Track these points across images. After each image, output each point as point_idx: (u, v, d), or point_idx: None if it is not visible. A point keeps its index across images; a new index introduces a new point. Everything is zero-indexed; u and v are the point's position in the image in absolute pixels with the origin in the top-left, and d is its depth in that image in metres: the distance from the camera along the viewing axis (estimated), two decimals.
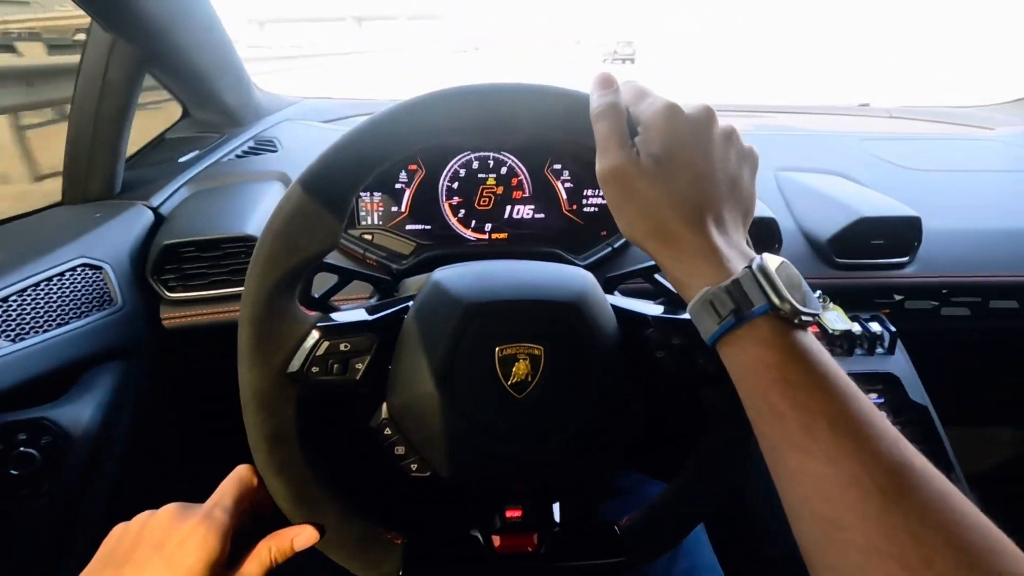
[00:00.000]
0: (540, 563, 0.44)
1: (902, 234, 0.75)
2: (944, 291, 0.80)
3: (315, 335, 0.40)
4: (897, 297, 0.80)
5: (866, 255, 0.75)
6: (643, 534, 0.45)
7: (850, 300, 0.76)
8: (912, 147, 0.99)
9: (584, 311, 0.42)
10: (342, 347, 0.41)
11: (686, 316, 0.44)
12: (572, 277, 0.44)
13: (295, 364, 0.39)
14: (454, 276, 0.44)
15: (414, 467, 0.46)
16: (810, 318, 0.30)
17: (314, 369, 0.40)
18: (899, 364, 0.71)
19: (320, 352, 0.40)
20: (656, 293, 0.54)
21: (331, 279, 0.52)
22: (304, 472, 0.41)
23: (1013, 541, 0.25)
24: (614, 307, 0.46)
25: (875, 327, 0.73)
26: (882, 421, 0.27)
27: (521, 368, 0.41)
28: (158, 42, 0.65)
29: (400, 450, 0.46)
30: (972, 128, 1.16)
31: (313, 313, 0.42)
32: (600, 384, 0.42)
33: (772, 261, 0.31)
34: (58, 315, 0.54)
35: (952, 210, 0.84)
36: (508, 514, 0.45)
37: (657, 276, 0.53)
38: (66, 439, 0.51)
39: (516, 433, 0.42)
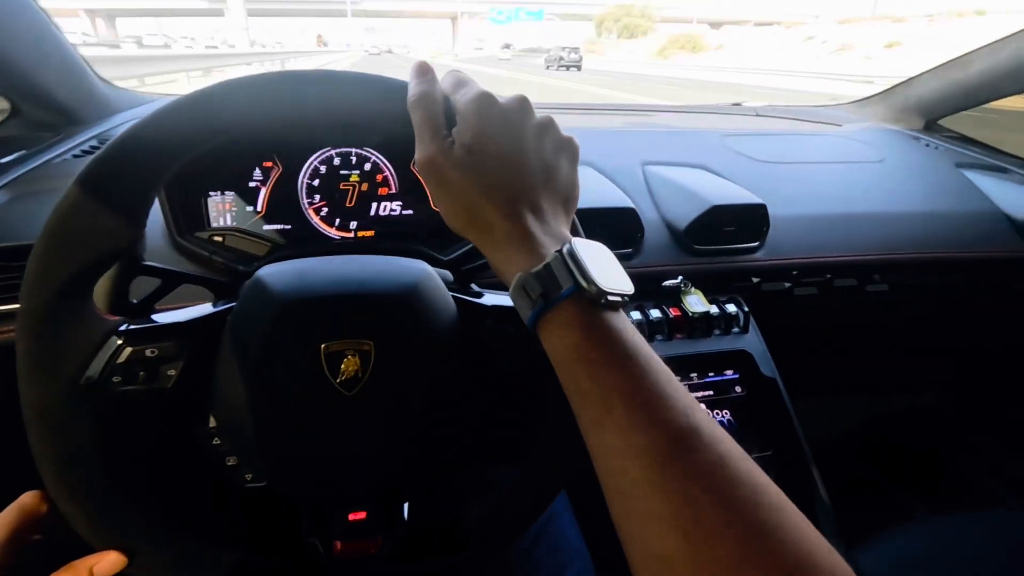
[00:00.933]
0: (382, 566, 0.43)
1: (751, 220, 0.80)
2: (794, 272, 0.87)
3: (116, 341, 0.37)
4: (755, 280, 0.86)
5: (720, 241, 0.80)
6: (489, 525, 0.45)
7: (711, 284, 0.81)
8: (767, 142, 1.08)
9: (414, 303, 0.41)
10: (148, 352, 0.38)
11: None
12: (402, 269, 0.43)
13: (91, 373, 0.36)
14: (275, 274, 0.41)
15: (248, 477, 0.43)
16: (618, 298, 0.31)
17: (115, 378, 0.37)
18: (752, 342, 0.77)
19: (122, 359, 0.37)
20: None
21: (155, 284, 0.48)
22: (104, 493, 0.37)
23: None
24: (456, 298, 0.45)
25: (731, 308, 0.78)
26: (677, 391, 0.28)
27: (350, 364, 0.40)
28: None
29: (231, 460, 0.43)
30: (822, 124, 1.27)
31: (115, 318, 0.38)
32: (435, 376, 0.41)
33: (584, 245, 0.32)
34: None
35: (799, 198, 0.92)
36: (351, 517, 0.44)
37: None
38: None
39: (349, 432, 0.41)
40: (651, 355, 0.30)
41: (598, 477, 0.30)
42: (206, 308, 0.42)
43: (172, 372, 0.39)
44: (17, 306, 0.56)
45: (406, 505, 0.46)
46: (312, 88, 0.35)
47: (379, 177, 0.71)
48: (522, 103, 0.35)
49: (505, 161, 0.33)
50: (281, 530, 0.44)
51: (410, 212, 0.73)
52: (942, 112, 1.22)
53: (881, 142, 1.14)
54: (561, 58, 28.81)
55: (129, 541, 0.38)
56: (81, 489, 0.36)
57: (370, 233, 0.72)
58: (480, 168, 0.32)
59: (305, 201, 0.70)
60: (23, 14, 0.65)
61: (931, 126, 1.25)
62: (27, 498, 0.36)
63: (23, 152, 0.74)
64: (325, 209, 0.70)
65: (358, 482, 0.43)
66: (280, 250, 0.68)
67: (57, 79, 0.75)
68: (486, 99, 0.34)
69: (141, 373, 0.38)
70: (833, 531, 0.64)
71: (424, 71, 0.36)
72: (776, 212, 0.83)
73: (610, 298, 0.30)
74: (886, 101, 1.30)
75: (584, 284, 0.30)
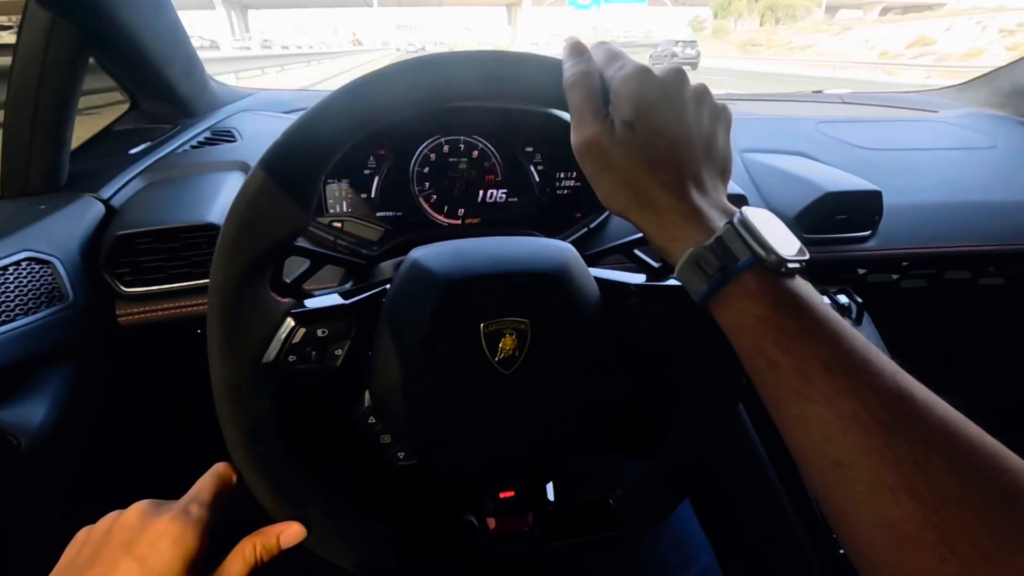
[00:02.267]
0: (535, 543, 0.43)
1: (864, 208, 0.77)
2: (904, 263, 0.83)
3: (290, 322, 0.38)
4: (860, 271, 0.82)
5: (831, 230, 0.77)
6: (635, 508, 0.45)
7: (816, 275, 0.78)
8: (864, 128, 1.03)
9: (567, 282, 0.41)
10: (319, 333, 0.39)
11: (667, 283, 0.44)
12: (552, 249, 0.43)
13: (270, 354, 0.37)
14: (432, 254, 0.42)
15: (401, 455, 0.44)
16: (797, 265, 0.30)
17: (291, 358, 0.38)
18: (867, 334, 0.74)
19: (296, 340, 0.38)
20: (637, 269, 0.54)
21: (301, 265, 0.50)
22: (286, 467, 0.39)
23: None
24: (596, 278, 0.45)
25: (843, 299, 0.75)
26: (879, 357, 0.27)
27: (508, 343, 0.40)
28: (99, 20, 0.61)
29: (386, 439, 0.44)
30: (917, 111, 1.21)
31: (285, 300, 0.40)
32: (587, 355, 0.41)
33: (754, 214, 0.31)
34: (2, 312, 0.50)
35: (906, 186, 0.87)
36: (502, 495, 0.44)
37: (637, 251, 0.53)
38: (15, 443, 0.47)
39: (506, 411, 0.41)
40: (841, 321, 0.29)
41: (793, 451, 0.29)
42: (369, 290, 0.43)
43: (339, 351, 0.40)
44: (174, 285, 0.60)
45: (550, 485, 0.46)
46: (466, 68, 0.35)
47: (486, 164, 0.72)
48: (678, 73, 0.34)
49: (668, 136, 0.32)
50: (436, 507, 0.45)
51: (515, 199, 0.73)
52: None
53: (989, 128, 1.07)
54: (674, 54, 22.75)
55: (306, 514, 0.39)
56: (265, 463, 0.38)
57: (476, 220, 0.73)
58: (643, 144, 0.32)
59: (416, 188, 0.71)
60: (163, 13, 0.68)
61: None
62: (220, 467, 0.38)
63: (148, 144, 0.78)
64: (434, 196, 0.71)
65: (510, 461, 0.43)
66: (392, 236, 0.69)
67: (180, 74, 0.79)
68: (644, 73, 0.33)
69: (313, 352, 0.39)
70: None
71: (580, 50, 0.35)
72: (886, 200, 0.79)
73: (790, 265, 0.30)
74: (990, 85, 1.22)
75: (763, 254, 0.29)
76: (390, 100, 0.35)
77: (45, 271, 0.53)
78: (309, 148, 0.34)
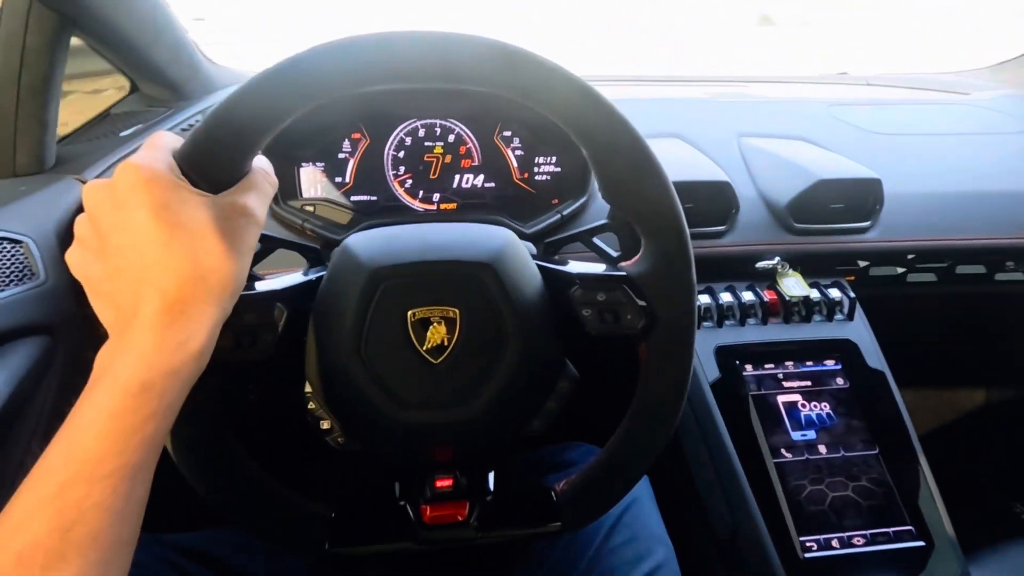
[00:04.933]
0: (470, 533, 0.43)
1: (862, 197, 0.73)
2: (910, 256, 0.78)
3: None
4: (862, 263, 0.78)
5: (825, 220, 0.73)
6: (578, 499, 0.44)
7: (811, 266, 0.75)
8: (882, 112, 0.97)
9: (500, 270, 0.40)
10: (248, 319, 0.39)
11: (611, 273, 0.42)
12: (490, 237, 0.42)
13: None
14: (364, 241, 0.42)
15: (340, 440, 0.45)
16: None
17: (222, 343, 0.38)
18: (858, 330, 0.70)
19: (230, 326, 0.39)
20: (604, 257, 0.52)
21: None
22: (220, 449, 0.39)
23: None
24: (540, 267, 0.44)
25: (834, 293, 0.71)
26: None
27: (436, 332, 0.40)
28: (76, 4, 0.62)
29: (325, 424, 0.44)
30: (946, 93, 1.13)
31: None
32: (521, 345, 0.40)
33: None
34: None
35: (919, 173, 0.82)
36: (438, 484, 0.44)
37: (595, 240, 0.51)
38: None
39: (435, 400, 0.41)
40: None
41: None
42: (300, 276, 0.43)
43: (271, 338, 0.40)
44: None
45: (491, 475, 0.46)
46: (404, 48, 0.34)
47: (462, 149, 0.71)
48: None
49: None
50: (374, 493, 0.45)
51: (492, 185, 0.72)
52: None
53: (1018, 111, 0.99)
54: None
55: (241, 495, 0.40)
56: (201, 443, 0.39)
57: (452, 205, 0.72)
58: None
59: (390, 172, 0.70)
60: None
61: None
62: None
63: (139, 126, 0.79)
64: (409, 181, 0.71)
65: (444, 450, 0.43)
66: (366, 220, 0.69)
67: (168, 57, 0.80)
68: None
69: (244, 339, 0.39)
70: (951, 541, 0.58)
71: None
72: (893, 189, 0.74)
73: None
74: None
75: None
76: (320, 81, 0.34)
77: (17, 250, 0.55)
78: (225, 142, 0.34)
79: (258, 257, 0.49)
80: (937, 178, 0.82)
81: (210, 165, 0.33)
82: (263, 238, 0.48)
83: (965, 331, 0.94)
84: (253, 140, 0.34)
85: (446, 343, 0.39)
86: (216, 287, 0.31)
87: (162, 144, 0.33)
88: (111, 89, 0.91)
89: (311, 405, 0.44)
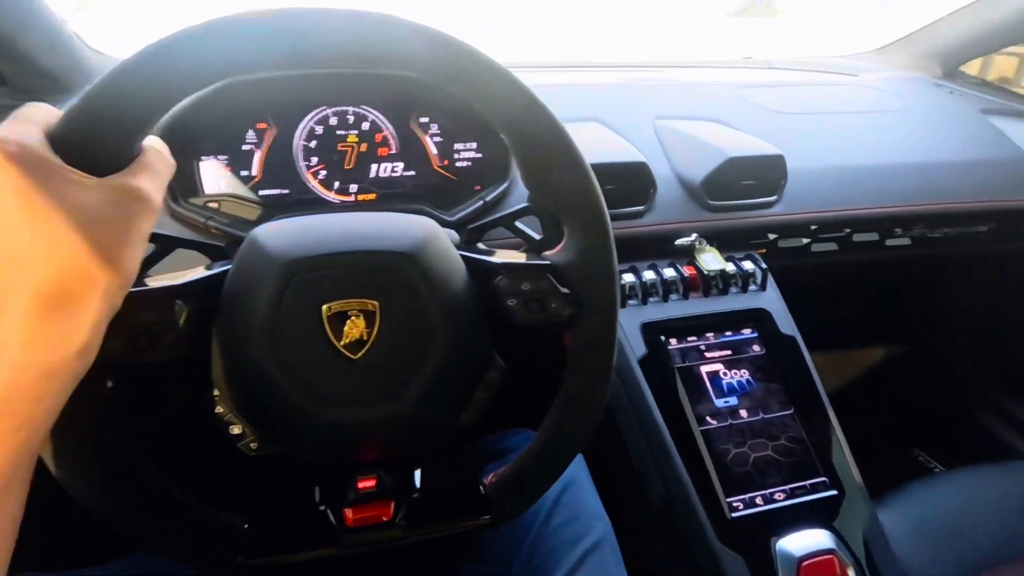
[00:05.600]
0: (397, 532, 0.42)
1: (768, 173, 0.77)
2: (813, 227, 0.84)
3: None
4: (771, 236, 0.83)
5: (737, 196, 0.76)
6: (507, 490, 0.44)
7: (727, 241, 0.78)
8: (784, 93, 1.03)
9: (422, 260, 0.38)
10: (143, 317, 0.36)
11: (534, 262, 0.42)
12: (407, 226, 0.41)
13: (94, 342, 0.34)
14: (273, 232, 0.39)
15: (254, 446, 0.42)
16: None
17: (114, 345, 0.35)
18: (770, 299, 0.74)
19: (123, 326, 0.35)
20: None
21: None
22: (118, 460, 0.36)
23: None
24: (464, 256, 0.43)
25: (748, 265, 0.75)
26: None
27: (354, 327, 0.38)
28: None
29: (235, 430, 0.41)
30: (838, 75, 1.21)
31: None
32: (450, 337, 0.39)
33: None
34: None
35: (817, 150, 0.88)
36: (360, 485, 0.42)
37: (518, 223, 0.51)
38: None
39: (357, 397, 0.39)
40: None
41: None
42: (201, 271, 0.40)
43: (171, 338, 0.37)
44: None
45: (418, 472, 0.45)
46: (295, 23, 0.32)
47: (378, 137, 0.68)
48: None
49: None
50: (292, 499, 0.43)
51: (412, 173, 0.70)
52: (964, 57, 1.16)
53: (902, 90, 1.08)
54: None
55: (145, 511, 0.37)
56: (96, 458, 0.35)
57: (371, 196, 0.69)
58: None
59: (302, 164, 0.67)
60: None
61: (953, 73, 1.19)
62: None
63: None
64: (323, 172, 0.67)
65: (365, 449, 0.41)
66: (277, 215, 0.65)
67: (39, 45, 0.72)
68: None
69: (140, 339, 0.36)
70: (859, 488, 0.62)
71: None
72: (795, 165, 0.79)
73: None
74: (907, 48, 1.23)
75: None
76: (207, 64, 0.31)
77: None
78: (103, 126, 0.30)
79: (154, 259, 0.45)
80: (833, 154, 0.88)
81: (92, 145, 0.29)
82: (160, 238, 0.44)
83: (864, 294, 1.03)
84: (145, 116, 0.30)
85: (365, 337, 0.38)
86: (102, 280, 0.28)
87: (33, 117, 0.29)
88: None
89: (219, 410, 0.41)
